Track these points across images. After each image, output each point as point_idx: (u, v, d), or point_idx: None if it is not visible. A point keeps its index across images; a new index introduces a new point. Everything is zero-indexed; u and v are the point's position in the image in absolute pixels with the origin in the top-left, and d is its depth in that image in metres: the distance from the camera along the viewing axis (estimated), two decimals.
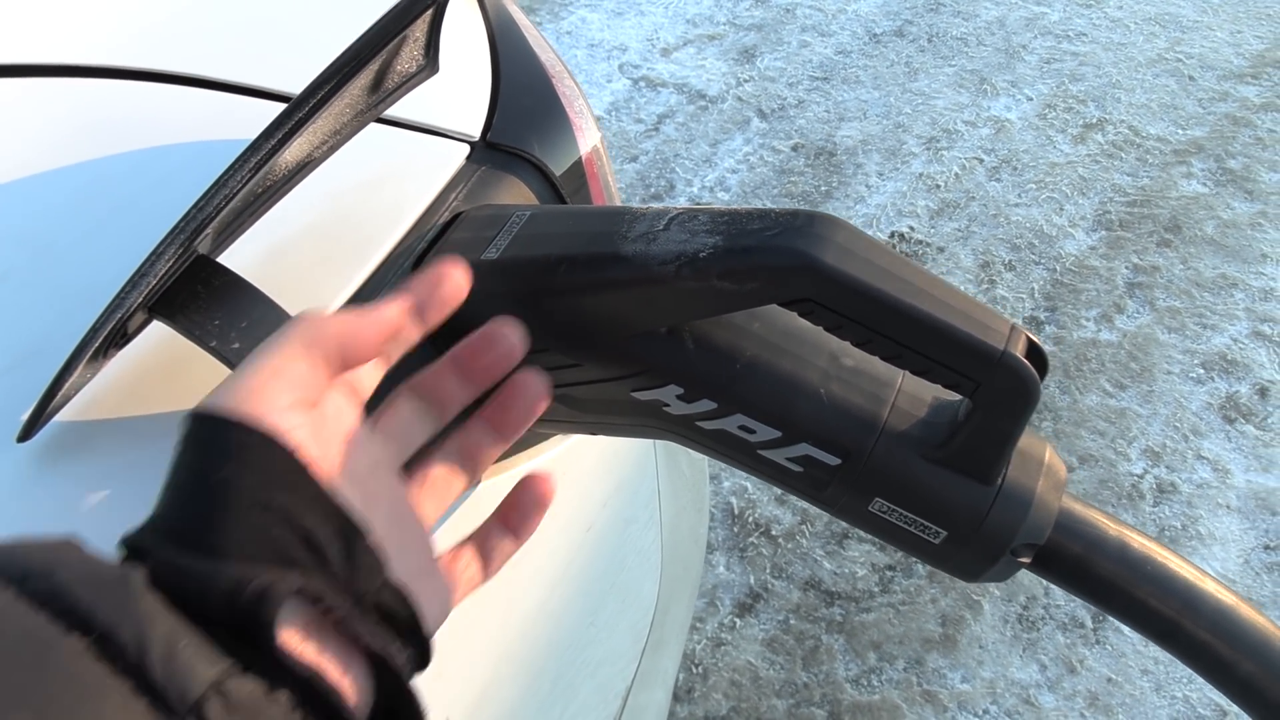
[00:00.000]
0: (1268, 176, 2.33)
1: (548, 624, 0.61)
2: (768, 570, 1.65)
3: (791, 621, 1.58)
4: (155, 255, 0.35)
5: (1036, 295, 2.07)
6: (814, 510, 1.72)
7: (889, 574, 1.64)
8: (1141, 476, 1.76)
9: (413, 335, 0.40)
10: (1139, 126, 2.47)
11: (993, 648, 1.55)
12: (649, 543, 0.75)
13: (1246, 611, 0.45)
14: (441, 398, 0.42)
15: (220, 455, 0.33)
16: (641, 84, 2.66)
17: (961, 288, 2.02)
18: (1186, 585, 0.44)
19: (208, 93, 0.49)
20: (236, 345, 0.39)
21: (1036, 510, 0.42)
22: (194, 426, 0.34)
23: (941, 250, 2.16)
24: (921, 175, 2.35)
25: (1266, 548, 1.66)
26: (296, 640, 0.32)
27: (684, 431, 0.45)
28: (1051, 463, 0.44)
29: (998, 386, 0.38)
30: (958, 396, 0.43)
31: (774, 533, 1.69)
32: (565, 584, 0.62)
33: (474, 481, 0.44)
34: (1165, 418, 1.84)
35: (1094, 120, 2.49)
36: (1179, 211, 2.24)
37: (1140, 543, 0.45)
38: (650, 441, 0.73)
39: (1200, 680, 1.47)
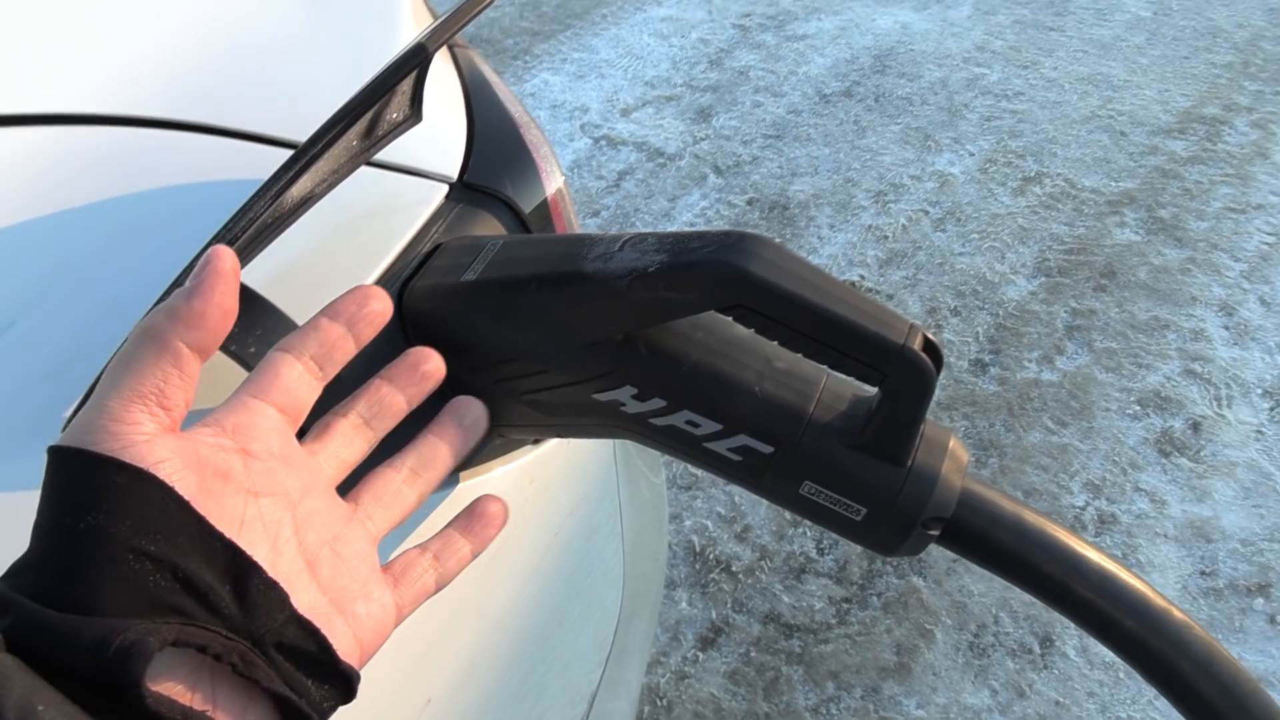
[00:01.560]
0: (1195, 225, 2.47)
1: (520, 619, 0.67)
2: (729, 605, 1.70)
3: (752, 654, 1.63)
4: (188, 270, 0.41)
5: (981, 339, 2.17)
6: (773, 546, 1.78)
7: (845, 606, 1.70)
8: (1083, 508, 1.84)
9: (348, 351, 0.41)
10: (1075, 179, 2.61)
11: (946, 675, 1.61)
12: (611, 554, 0.81)
13: (1127, 575, 0.52)
14: (376, 413, 0.43)
15: (88, 498, 0.31)
16: (603, 142, 2.76)
17: None
18: (1073, 552, 0.51)
19: (216, 139, 0.56)
20: (252, 349, 0.45)
21: (942, 487, 0.49)
22: (58, 464, 0.32)
23: (890, 297, 2.26)
24: (870, 227, 2.46)
25: (1202, 574, 1.74)
26: (181, 691, 0.31)
27: (638, 429, 0.52)
28: (955, 449, 0.51)
29: (900, 376, 0.45)
30: (873, 391, 0.51)
31: (734, 569, 1.75)
32: (535, 583, 0.68)
33: (425, 494, 0.45)
34: (1105, 453, 1.94)
35: (1032, 174, 2.63)
36: (1114, 258, 2.37)
37: (1033, 517, 0.52)
38: (612, 459, 0.80)
39: (1143, 701, 1.53)
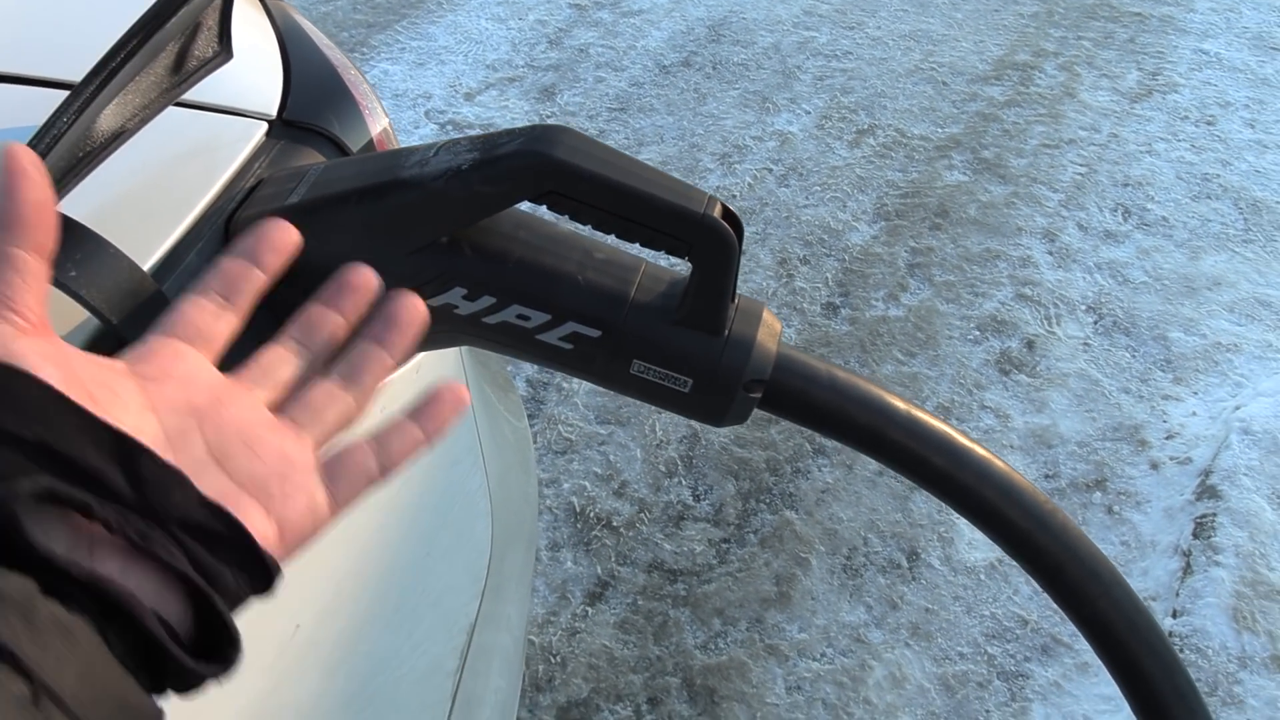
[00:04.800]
0: (1016, 162, 2.63)
1: (386, 548, 0.69)
2: (613, 559, 1.74)
3: (639, 602, 1.68)
4: None
5: (830, 284, 2.26)
6: (650, 498, 1.83)
7: (725, 546, 1.76)
8: None
9: (254, 280, 0.43)
10: (904, 128, 2.74)
11: (823, 598, 1.69)
12: (475, 487, 0.83)
13: (932, 420, 0.57)
14: (310, 334, 0.44)
15: None
16: (449, 127, 2.75)
17: (763, 284, 2.20)
18: (882, 401, 0.56)
19: (13, 87, 0.55)
20: (73, 274, 0.45)
21: (758, 352, 0.53)
22: None
23: (743, 253, 2.33)
24: (719, 188, 2.53)
25: (1046, 476, 1.88)
26: (83, 558, 0.31)
27: (473, 330, 0.54)
28: (768, 318, 0.55)
29: (704, 244, 0.49)
30: (689, 273, 0.54)
31: (615, 524, 1.79)
32: (399, 512, 0.70)
33: (363, 399, 0.45)
34: (951, 377, 2.06)
35: (865, 126, 2.75)
36: (945, 198, 2.51)
37: (845, 374, 0.56)
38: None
39: (1003, 599, 1.64)
